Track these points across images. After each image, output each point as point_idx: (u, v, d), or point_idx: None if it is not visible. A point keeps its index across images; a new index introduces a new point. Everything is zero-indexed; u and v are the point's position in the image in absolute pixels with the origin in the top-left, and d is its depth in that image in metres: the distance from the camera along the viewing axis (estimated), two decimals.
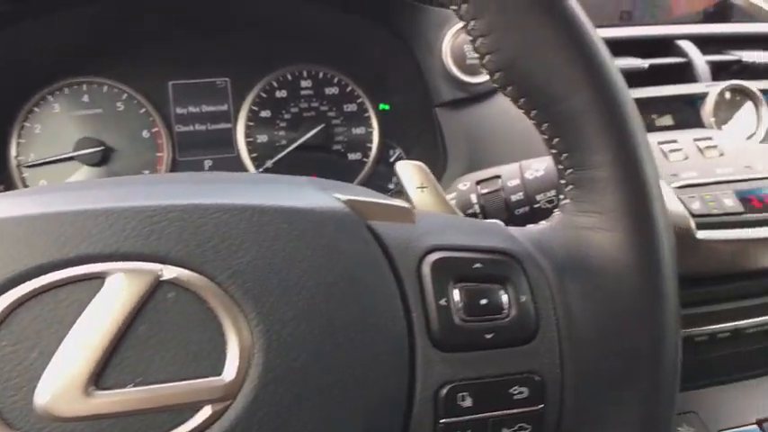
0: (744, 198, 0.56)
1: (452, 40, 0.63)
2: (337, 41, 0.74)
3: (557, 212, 0.33)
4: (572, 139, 0.31)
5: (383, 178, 0.77)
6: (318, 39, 0.74)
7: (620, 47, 0.72)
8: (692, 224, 0.54)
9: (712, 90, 0.64)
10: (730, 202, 0.55)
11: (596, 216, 0.31)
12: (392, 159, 0.77)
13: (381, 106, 0.77)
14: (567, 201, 0.32)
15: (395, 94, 0.76)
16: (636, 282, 0.30)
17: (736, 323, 0.67)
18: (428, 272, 0.29)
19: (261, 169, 0.74)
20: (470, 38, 0.31)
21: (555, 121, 0.31)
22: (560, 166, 0.32)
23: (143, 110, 0.71)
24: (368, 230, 0.29)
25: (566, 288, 0.31)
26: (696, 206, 0.54)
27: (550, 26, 0.30)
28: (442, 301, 0.29)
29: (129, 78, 0.70)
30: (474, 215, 0.46)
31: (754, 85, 0.67)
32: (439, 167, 0.68)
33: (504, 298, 0.29)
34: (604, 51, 0.31)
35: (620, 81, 0.31)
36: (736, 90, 0.65)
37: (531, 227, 0.33)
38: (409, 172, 0.39)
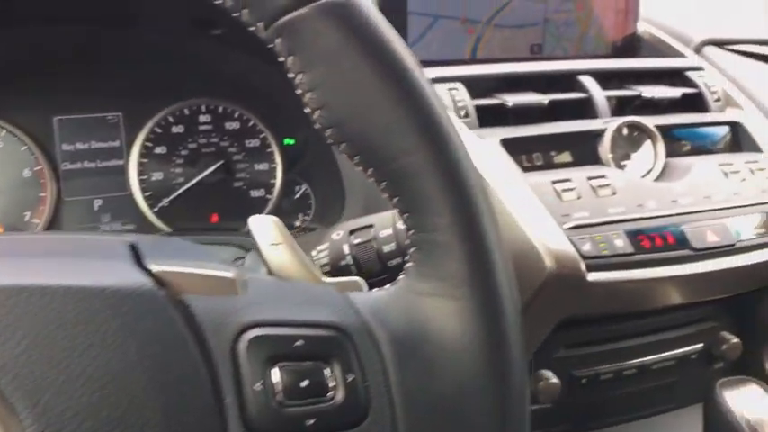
0: (634, 238, 0.55)
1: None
2: (238, 75, 0.72)
3: (401, 276, 0.31)
4: (410, 199, 0.29)
5: (288, 215, 0.75)
6: (218, 72, 0.72)
7: (523, 82, 0.72)
8: (583, 266, 0.53)
9: (610, 126, 0.64)
10: (620, 243, 0.54)
11: (437, 282, 0.29)
12: (297, 196, 0.75)
13: (286, 141, 0.74)
14: (411, 264, 0.30)
15: (300, 129, 0.74)
16: (477, 356, 0.28)
17: (642, 359, 0.67)
18: (244, 352, 0.26)
19: (156, 209, 0.70)
20: (299, 91, 0.29)
21: (392, 180, 0.29)
22: (404, 226, 0.30)
23: (24, 147, 0.66)
24: (177, 307, 0.26)
25: (402, 362, 0.28)
26: (587, 248, 0.53)
27: (380, 82, 0.28)
28: (258, 385, 0.26)
29: (9, 113, 0.66)
30: (347, 267, 0.44)
31: (653, 121, 0.67)
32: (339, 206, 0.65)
33: (329, 378, 0.27)
34: (439, 108, 0.29)
35: (457, 140, 0.30)
36: (633, 126, 0.65)
37: (373, 292, 0.31)
38: (261, 227, 0.36)
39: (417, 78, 0.29)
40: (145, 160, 0.70)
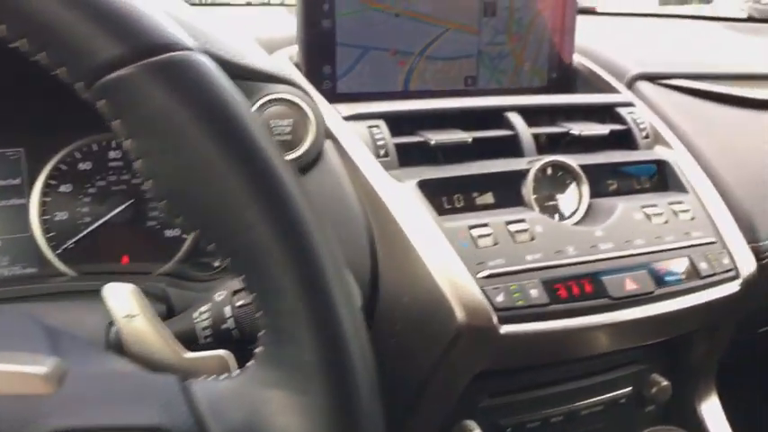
0: (550, 287, 0.53)
1: (257, 114, 0.58)
2: None
3: (250, 362, 0.28)
4: (255, 279, 0.26)
5: (207, 255, 0.71)
6: None
7: (450, 118, 0.70)
8: (495, 319, 0.51)
9: (533, 167, 0.62)
10: (536, 293, 0.52)
11: (284, 373, 0.26)
12: None
13: None
14: (260, 349, 0.27)
15: None
16: None
17: (570, 405, 0.65)
18: None
19: (59, 251, 0.65)
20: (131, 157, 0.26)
21: (236, 257, 0.26)
22: (254, 307, 0.27)
23: None
24: None
25: None
26: (500, 299, 0.51)
27: (214, 149, 0.25)
28: None
29: None
30: (228, 332, 0.41)
31: (579, 160, 0.66)
32: None
33: None
34: (285, 174, 0.26)
35: (306, 214, 0.27)
36: (557, 166, 0.64)
37: (219, 381, 0.28)
38: (117, 297, 0.33)
39: (258, 143, 0.26)
40: (48, 199, 0.65)
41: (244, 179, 0.25)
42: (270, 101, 0.58)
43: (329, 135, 0.63)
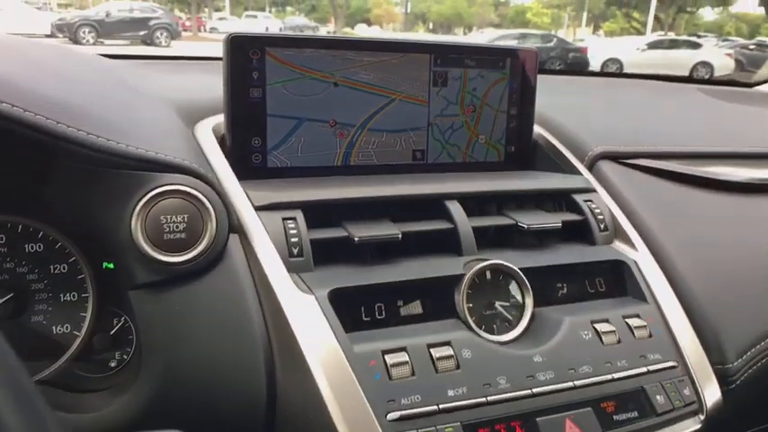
0: None
1: (144, 211, 0.50)
2: (42, 188, 0.60)
3: None
4: None
5: (102, 353, 0.62)
6: (17, 184, 0.60)
7: (386, 208, 0.62)
8: None
9: (469, 271, 0.55)
10: None
11: None
12: (113, 331, 0.62)
13: (105, 264, 0.62)
14: None
15: (119, 252, 0.62)
16: None
17: None
18: None
19: None
20: None
21: None
22: None
23: None
24: None
25: None
26: None
27: None
28: None
29: None
30: None
31: (524, 261, 0.58)
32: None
33: None
34: None
35: None
36: (497, 270, 0.56)
37: None
38: None
39: None
40: None
41: None
42: (161, 194, 0.50)
43: (236, 228, 0.55)
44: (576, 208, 0.68)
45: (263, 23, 22.28)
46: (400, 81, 0.75)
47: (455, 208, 0.61)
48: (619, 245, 0.65)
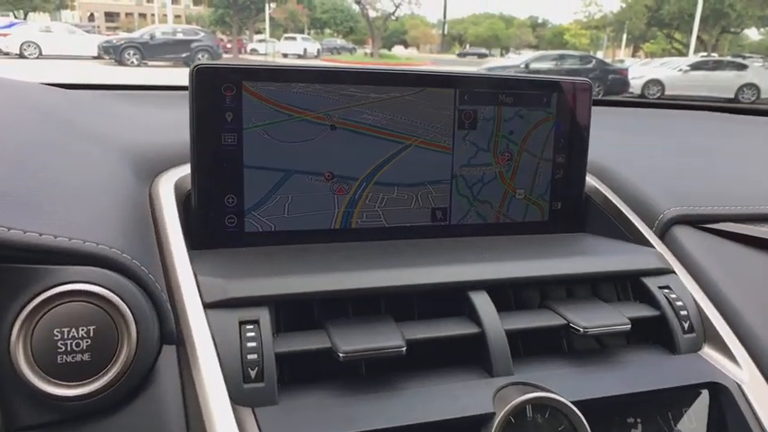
0: None
1: (29, 323, 0.35)
2: None
3: None
4: None
5: None
6: None
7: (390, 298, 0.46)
8: None
9: (501, 409, 0.38)
10: None
11: None
12: None
13: None
14: None
15: None
16: None
17: None
18: None
19: None
20: None
21: None
22: None
23: None
24: None
25: None
26: None
27: None
28: None
29: None
30: None
31: (580, 390, 0.41)
32: None
33: None
34: None
35: None
36: (541, 405, 0.39)
37: None
38: None
39: None
40: None
41: None
42: (55, 297, 0.35)
43: (172, 338, 0.39)
44: (647, 296, 0.50)
45: (302, 45, 22.56)
46: (417, 123, 0.59)
47: (483, 303, 0.45)
48: (710, 353, 0.47)
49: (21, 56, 13.01)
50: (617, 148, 0.72)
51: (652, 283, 0.50)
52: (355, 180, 0.58)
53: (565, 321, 0.45)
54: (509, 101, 0.61)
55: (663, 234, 0.58)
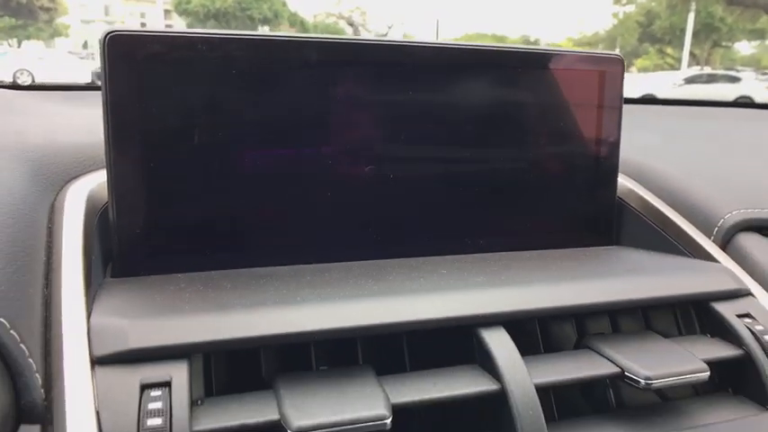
0: None
1: None
2: None
3: None
4: None
5: None
6: None
7: (383, 344, 0.33)
8: None
9: None
10: None
11: None
12: None
13: None
14: None
15: None
16: None
17: None
18: None
19: None
20: None
21: None
22: None
23: None
24: None
25: None
26: None
27: None
28: None
29: None
30: None
31: None
32: None
33: None
34: None
35: None
36: None
37: None
38: None
39: None
40: None
41: None
42: None
43: (35, 414, 0.26)
44: (722, 328, 0.37)
45: None
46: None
47: (500, 344, 0.31)
48: None
49: (14, 83, 12.97)
50: (653, 146, 0.60)
51: (727, 309, 0.37)
52: None
53: (618, 369, 0.32)
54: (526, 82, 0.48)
55: (725, 244, 0.45)
